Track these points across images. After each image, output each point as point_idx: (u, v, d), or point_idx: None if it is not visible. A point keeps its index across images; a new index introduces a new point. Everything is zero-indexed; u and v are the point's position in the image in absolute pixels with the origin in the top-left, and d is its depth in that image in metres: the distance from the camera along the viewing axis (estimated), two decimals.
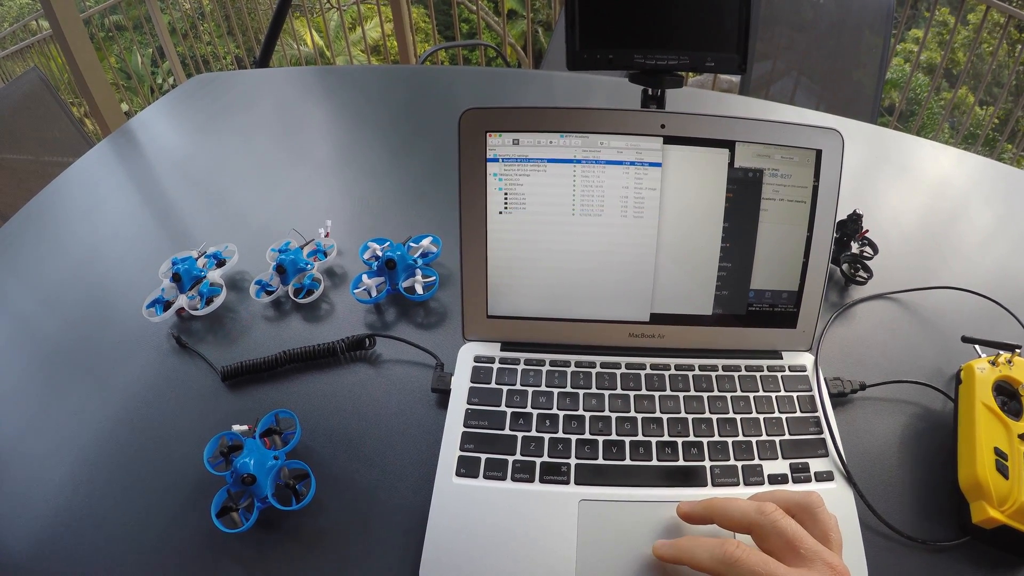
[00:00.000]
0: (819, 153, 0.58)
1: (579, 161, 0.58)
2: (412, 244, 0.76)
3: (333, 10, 5.40)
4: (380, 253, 0.73)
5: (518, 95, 1.18)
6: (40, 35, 3.11)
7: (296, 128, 1.08)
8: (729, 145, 0.58)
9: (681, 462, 0.54)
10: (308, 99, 1.19)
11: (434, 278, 0.72)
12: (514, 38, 6.03)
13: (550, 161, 0.58)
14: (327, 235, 0.78)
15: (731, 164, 0.58)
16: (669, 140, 0.57)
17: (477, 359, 0.61)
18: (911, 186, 0.93)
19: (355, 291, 0.71)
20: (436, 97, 1.17)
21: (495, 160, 0.58)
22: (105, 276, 0.78)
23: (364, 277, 0.72)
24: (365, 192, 0.91)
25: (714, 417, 0.57)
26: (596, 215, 0.59)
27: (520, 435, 0.55)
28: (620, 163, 0.58)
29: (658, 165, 0.58)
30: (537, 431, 0.55)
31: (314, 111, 1.14)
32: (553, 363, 0.61)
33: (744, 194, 0.59)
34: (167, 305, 0.71)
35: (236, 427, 0.56)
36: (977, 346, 0.64)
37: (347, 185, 0.93)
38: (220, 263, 0.75)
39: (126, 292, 0.75)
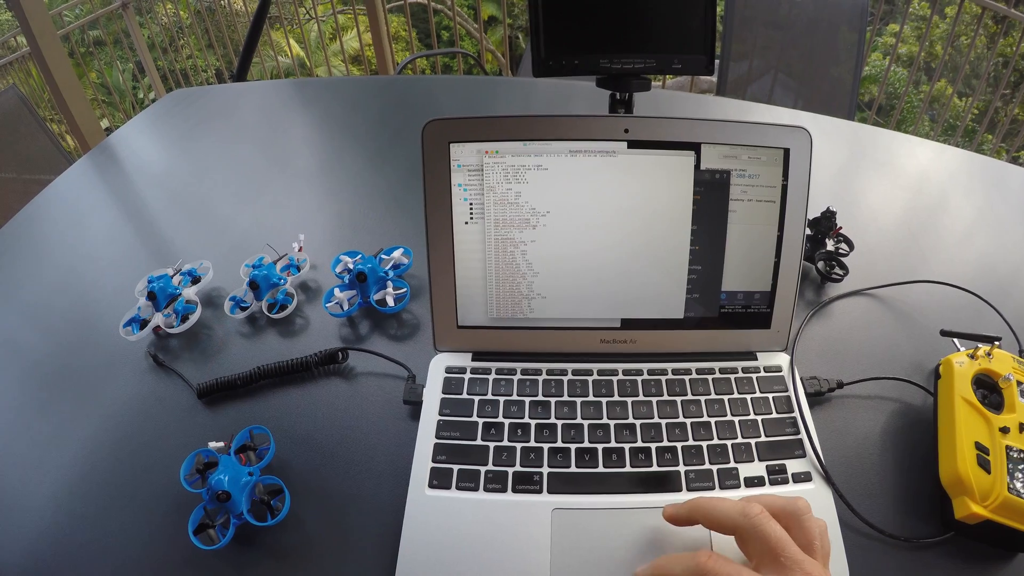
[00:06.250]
0: (787, 152, 0.58)
1: (544, 168, 0.58)
2: (384, 256, 0.76)
3: (312, 21, 5.38)
4: (351, 266, 0.72)
5: (496, 103, 1.18)
6: (19, 52, 3.09)
7: (273, 141, 1.08)
8: (695, 147, 0.57)
9: (655, 468, 0.53)
10: (286, 112, 1.18)
11: (405, 290, 0.72)
12: (494, 44, 6.03)
13: (515, 169, 0.58)
14: (300, 249, 0.78)
15: (697, 166, 0.58)
16: (633, 144, 0.57)
17: (448, 370, 0.61)
18: (889, 181, 0.93)
19: (327, 305, 0.71)
20: (414, 107, 1.17)
21: (459, 170, 0.58)
22: (85, 294, 0.78)
23: (336, 291, 0.72)
24: (340, 204, 0.91)
25: (688, 421, 0.56)
26: (563, 222, 0.59)
27: (492, 445, 0.55)
28: (585, 169, 0.58)
29: (623, 170, 0.58)
30: (509, 441, 0.55)
31: (292, 124, 1.14)
32: (524, 372, 0.60)
33: (712, 196, 0.59)
34: (143, 323, 0.70)
35: (212, 444, 0.56)
36: (956, 340, 0.64)
37: (322, 197, 0.93)
38: (195, 280, 0.75)
39: (105, 310, 0.74)
